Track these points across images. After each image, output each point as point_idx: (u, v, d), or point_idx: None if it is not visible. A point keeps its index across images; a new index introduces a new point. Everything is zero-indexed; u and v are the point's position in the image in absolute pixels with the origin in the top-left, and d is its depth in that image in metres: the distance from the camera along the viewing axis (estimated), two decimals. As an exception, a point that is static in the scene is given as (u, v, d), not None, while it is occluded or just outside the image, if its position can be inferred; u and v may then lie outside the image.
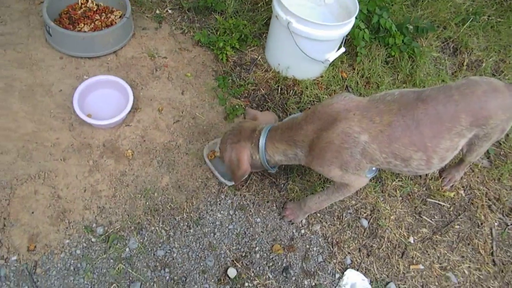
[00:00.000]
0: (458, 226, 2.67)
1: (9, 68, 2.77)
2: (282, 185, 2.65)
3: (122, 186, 2.48)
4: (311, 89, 3.03)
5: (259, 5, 3.41)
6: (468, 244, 2.62)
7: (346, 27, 2.78)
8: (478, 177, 2.91)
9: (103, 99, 2.72)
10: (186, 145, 2.69)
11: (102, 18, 3.02)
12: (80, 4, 3.06)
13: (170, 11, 3.31)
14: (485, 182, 2.89)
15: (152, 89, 2.88)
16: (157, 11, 3.28)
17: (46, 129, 2.59)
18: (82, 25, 2.95)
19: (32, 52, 2.87)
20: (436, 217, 2.70)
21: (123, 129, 2.67)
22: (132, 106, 2.68)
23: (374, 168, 2.62)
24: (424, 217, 2.68)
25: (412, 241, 2.57)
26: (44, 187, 2.38)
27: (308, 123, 2.07)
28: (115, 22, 2.98)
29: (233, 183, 2.51)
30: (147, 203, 2.44)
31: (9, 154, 2.46)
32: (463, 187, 2.85)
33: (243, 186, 2.60)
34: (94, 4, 3.09)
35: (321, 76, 3.12)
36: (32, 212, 2.30)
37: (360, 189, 2.68)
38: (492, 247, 2.61)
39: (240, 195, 2.57)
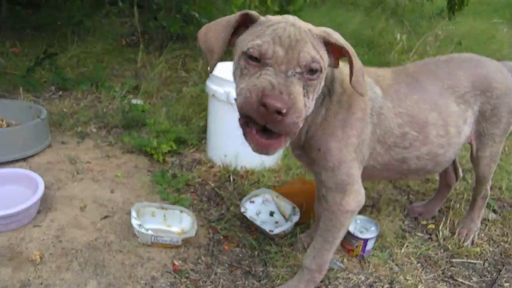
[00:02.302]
0: (507, 283, 2.02)
1: None
2: (261, 273, 1.93)
3: (23, 299, 1.65)
4: (270, 177, 2.56)
5: (192, 121, 3.11)
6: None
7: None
8: (495, 230, 2.40)
9: (3, 197, 2.05)
10: (120, 241, 1.99)
11: (11, 130, 2.54)
12: (-16, 122, 2.61)
13: (94, 129, 2.92)
14: (505, 232, 2.38)
15: (72, 189, 2.28)
16: (80, 128, 2.87)
17: None
18: (-15, 134, 2.44)
19: None
20: (474, 278, 2.04)
21: (29, 231, 1.96)
22: (45, 206, 2.04)
23: (373, 228, 2.06)
24: (459, 279, 2.01)
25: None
26: None
27: None
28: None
29: None
30: (63, 316, 1.61)
31: None
32: (485, 241, 2.30)
33: (205, 282, 1.85)
34: (4, 122, 2.65)
35: (278, 170, 2.68)
36: None
37: (366, 262, 2.03)
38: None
39: (204, 293, 1.81)
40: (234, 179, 2.53)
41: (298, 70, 1.27)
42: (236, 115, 1.53)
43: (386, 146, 1.70)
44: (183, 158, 2.72)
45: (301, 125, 1.28)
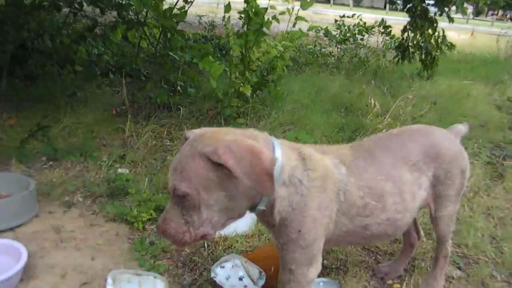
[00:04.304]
0: None
1: None
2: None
3: None
4: (242, 242, 2.73)
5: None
6: None
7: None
8: (459, 287, 2.55)
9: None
10: (98, 307, 2.14)
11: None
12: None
13: (80, 199, 3.11)
14: (468, 289, 2.53)
15: (55, 257, 2.45)
16: (67, 198, 3.07)
17: None
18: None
19: None
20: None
21: (11, 301, 2.11)
22: (27, 275, 2.20)
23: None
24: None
25: None
26: None
27: (302, 145, 1.89)
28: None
29: None
30: None
31: None
32: None
33: None
34: (-5, 194, 2.85)
35: (251, 236, 2.84)
36: None
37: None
38: None
39: None
40: (208, 245, 2.69)
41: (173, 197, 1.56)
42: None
43: (350, 216, 1.87)
44: (162, 225, 2.90)
45: (187, 239, 1.58)
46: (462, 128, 2.39)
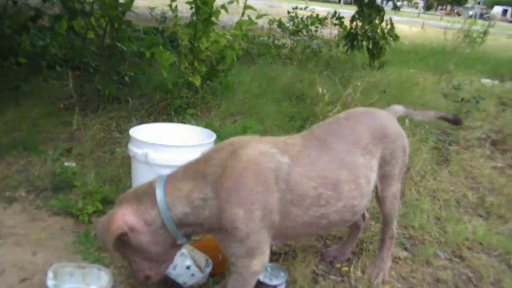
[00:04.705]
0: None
1: None
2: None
3: None
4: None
5: (122, 181, 3.25)
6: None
7: (208, 147, 2.72)
8: (404, 267, 2.63)
9: None
10: (38, 303, 2.07)
11: None
12: None
13: (23, 194, 3.00)
14: (414, 269, 2.61)
15: (-9, 256, 2.35)
16: (8, 193, 2.95)
17: None
18: None
19: None
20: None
21: None
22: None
23: (282, 274, 2.22)
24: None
25: None
26: None
27: (219, 150, 1.85)
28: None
29: None
30: None
31: None
32: (394, 279, 2.51)
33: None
34: None
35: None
36: None
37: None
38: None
39: None
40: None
41: None
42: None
43: (303, 208, 1.86)
44: (110, 218, 2.83)
45: (140, 279, 1.93)
46: (399, 108, 2.47)
